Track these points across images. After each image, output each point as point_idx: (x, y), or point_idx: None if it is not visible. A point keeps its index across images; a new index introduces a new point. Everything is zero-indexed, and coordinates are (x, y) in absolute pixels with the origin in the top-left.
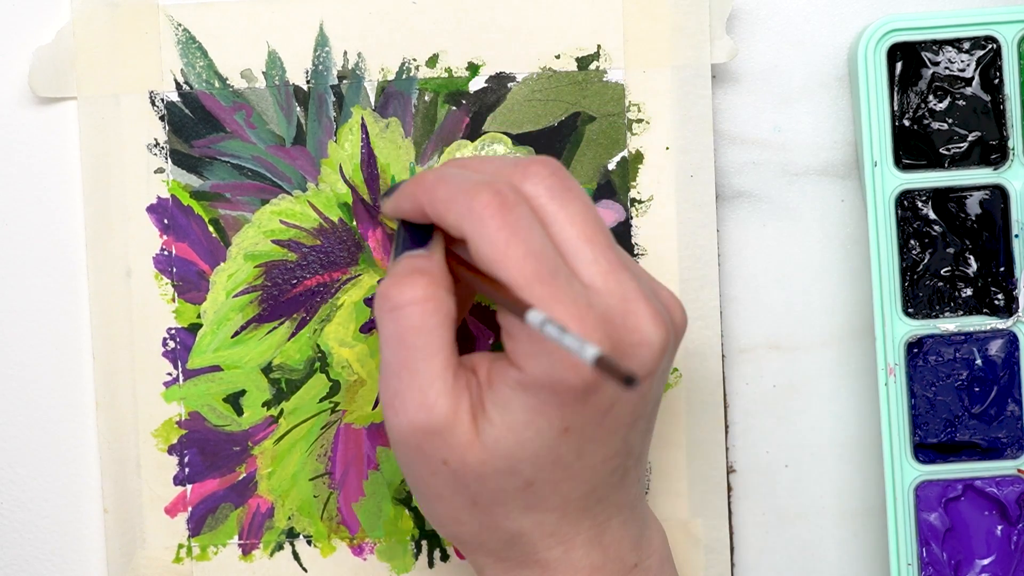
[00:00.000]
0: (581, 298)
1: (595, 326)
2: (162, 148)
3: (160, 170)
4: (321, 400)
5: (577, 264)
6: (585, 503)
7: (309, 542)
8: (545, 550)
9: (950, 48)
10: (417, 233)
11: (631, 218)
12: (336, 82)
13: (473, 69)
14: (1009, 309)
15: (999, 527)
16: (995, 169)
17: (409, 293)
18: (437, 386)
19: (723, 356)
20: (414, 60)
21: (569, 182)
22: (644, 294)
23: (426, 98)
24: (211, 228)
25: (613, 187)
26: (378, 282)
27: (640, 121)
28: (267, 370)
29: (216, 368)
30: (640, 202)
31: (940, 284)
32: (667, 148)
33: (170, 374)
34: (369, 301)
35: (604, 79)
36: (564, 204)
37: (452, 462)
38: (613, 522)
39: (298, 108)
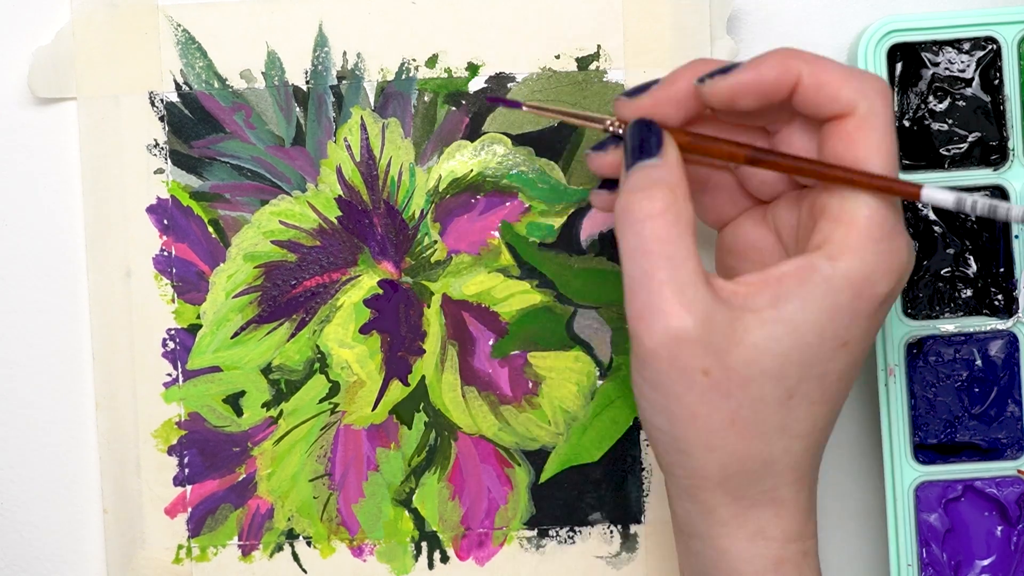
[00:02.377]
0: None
1: (904, 233)
2: (162, 148)
3: (160, 170)
4: (321, 401)
5: None
6: (822, 437)
7: (309, 543)
8: (784, 485)
9: (950, 49)
10: (648, 140)
11: None
12: (335, 82)
13: (473, 69)
14: (1009, 310)
15: (999, 528)
16: (995, 170)
17: (649, 205)
18: (690, 292)
19: None
20: (413, 60)
21: None
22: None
23: (425, 98)
24: (211, 229)
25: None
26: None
27: None
28: (267, 371)
29: (216, 369)
30: None
31: (940, 285)
32: None
33: (170, 375)
34: (368, 302)
35: (604, 79)
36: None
37: (714, 370)
38: (816, 474)
39: (297, 108)
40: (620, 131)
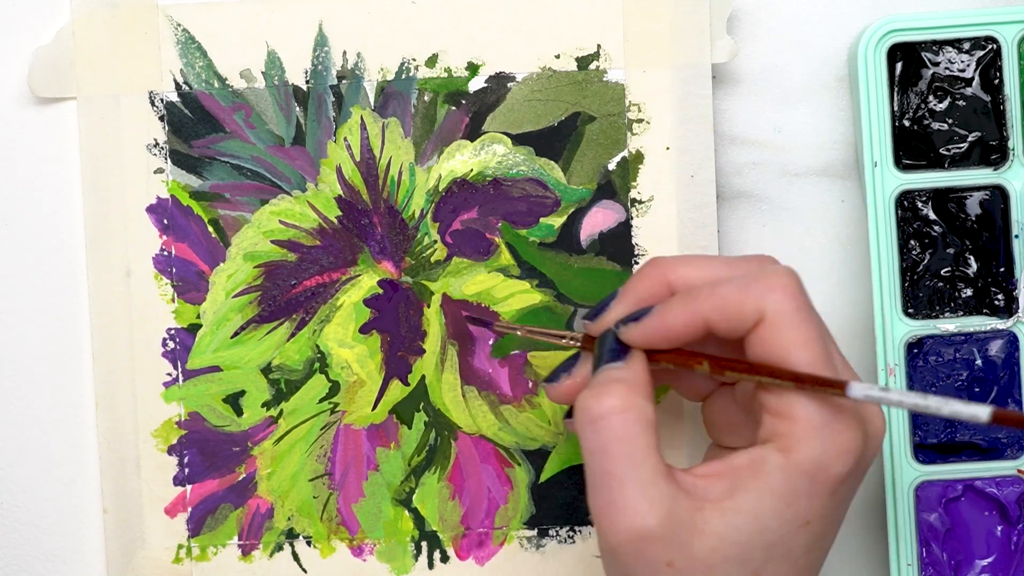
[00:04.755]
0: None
1: (860, 415)
2: (162, 148)
3: (160, 170)
4: (321, 401)
5: None
6: None
7: (309, 543)
8: None
9: (950, 48)
10: (614, 348)
11: (631, 218)
12: (335, 82)
13: (473, 69)
14: (1009, 309)
15: (999, 527)
16: (995, 169)
17: (607, 402)
18: (650, 492)
19: None
20: (413, 60)
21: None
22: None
23: (425, 98)
24: (211, 228)
25: (613, 187)
26: (545, 380)
27: (640, 121)
28: (267, 371)
29: (216, 368)
30: (640, 202)
31: (940, 284)
32: (667, 148)
33: (170, 374)
34: (368, 302)
35: (604, 79)
36: (806, 298)
37: (678, 561)
38: None
39: (297, 108)
40: (577, 345)
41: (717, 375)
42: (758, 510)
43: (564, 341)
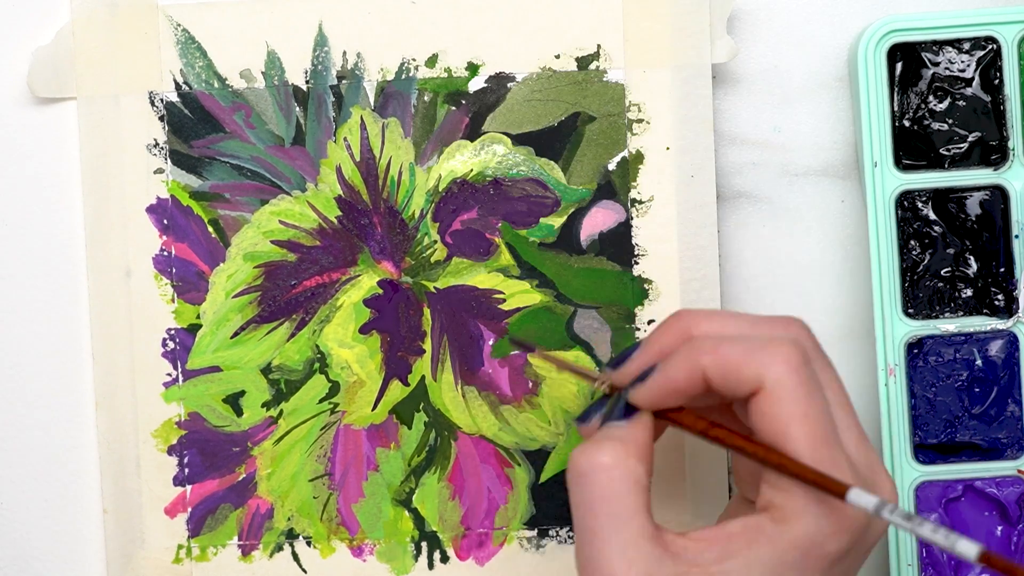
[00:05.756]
0: (851, 467)
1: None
2: (161, 148)
3: (160, 170)
4: (320, 401)
5: (838, 427)
6: None
7: (309, 543)
8: None
9: (950, 48)
10: (624, 406)
11: (631, 218)
12: (335, 82)
13: (473, 69)
14: (1009, 310)
15: (999, 528)
16: (995, 169)
17: (597, 459)
18: (630, 553)
19: None
20: (413, 60)
21: (820, 345)
22: (883, 465)
23: (425, 98)
24: (210, 228)
25: (613, 187)
26: (576, 420)
27: (640, 121)
28: (266, 371)
29: (215, 369)
30: (640, 202)
31: (940, 284)
32: (667, 148)
33: (170, 374)
34: (368, 302)
35: (604, 79)
36: (823, 367)
37: None
38: None
39: (297, 108)
40: (606, 390)
41: (717, 444)
42: None
43: (596, 384)
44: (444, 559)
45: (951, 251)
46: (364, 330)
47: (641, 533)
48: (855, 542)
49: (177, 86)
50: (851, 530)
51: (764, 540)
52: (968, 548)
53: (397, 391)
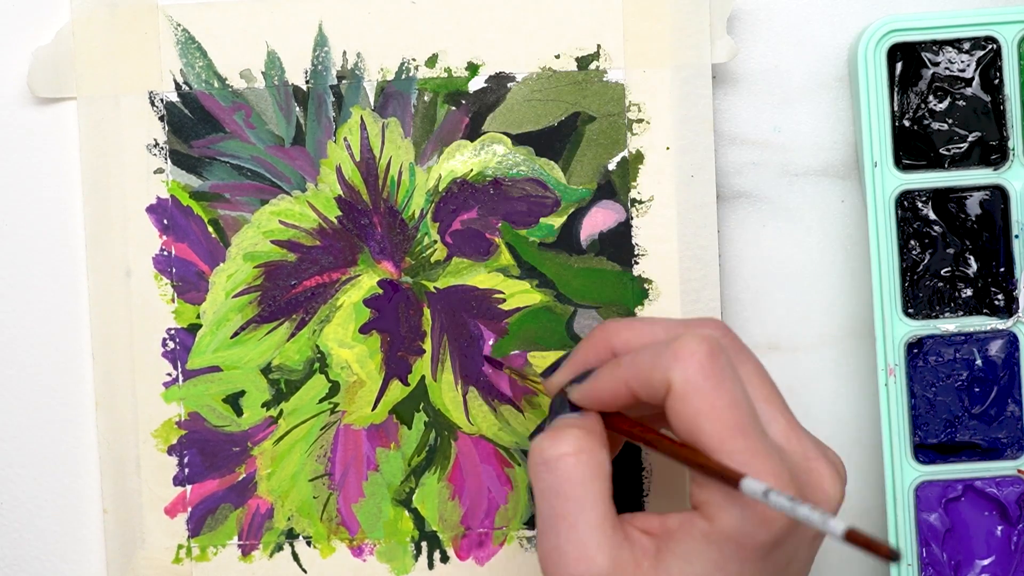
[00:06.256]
0: (775, 454)
1: (788, 484)
2: (161, 148)
3: (160, 170)
4: (320, 401)
5: (762, 420)
6: None
7: (309, 543)
8: None
9: (950, 48)
10: (570, 404)
11: (631, 218)
12: (335, 82)
13: (473, 69)
14: (1009, 309)
15: (999, 527)
16: (995, 169)
17: (563, 446)
18: (596, 537)
19: None
20: (413, 60)
21: (740, 341)
22: (822, 452)
23: (425, 98)
24: (210, 228)
25: (613, 187)
26: (529, 437)
27: (640, 121)
28: (266, 371)
29: (215, 368)
30: (640, 202)
31: (940, 284)
32: (667, 148)
33: (170, 374)
34: (368, 302)
35: (604, 79)
36: (742, 361)
37: None
38: None
39: (297, 108)
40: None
41: (645, 447)
42: (688, 572)
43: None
44: (444, 559)
45: (951, 251)
46: (364, 330)
47: (604, 519)
48: (787, 530)
49: (177, 86)
50: (778, 518)
51: (697, 534)
52: (836, 526)
53: (397, 391)
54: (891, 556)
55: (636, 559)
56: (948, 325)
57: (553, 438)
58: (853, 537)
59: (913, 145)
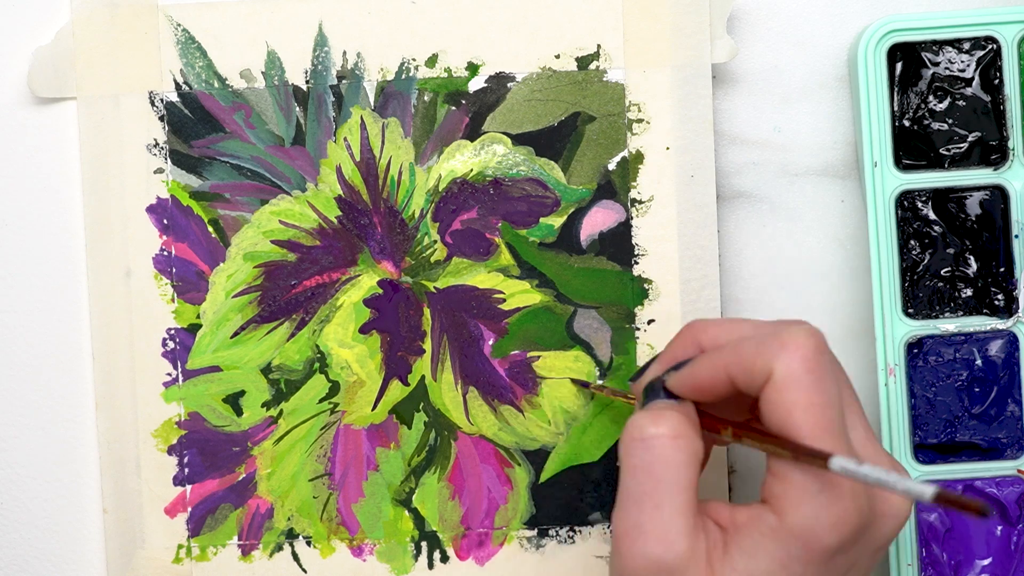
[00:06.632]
0: (854, 458)
1: (863, 489)
2: (161, 148)
3: (160, 170)
4: (320, 401)
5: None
6: None
7: (309, 543)
8: None
9: (950, 48)
10: (666, 393)
11: (631, 218)
12: (335, 82)
13: (473, 69)
14: (1009, 309)
15: (999, 527)
16: (995, 169)
17: (663, 427)
18: (679, 523)
19: None
20: (413, 60)
21: (828, 347)
22: (894, 466)
23: (425, 98)
24: (210, 228)
25: (613, 187)
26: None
27: (640, 121)
28: (266, 371)
29: (215, 368)
30: (640, 202)
31: (940, 284)
32: (667, 148)
33: (170, 374)
34: (368, 302)
35: (604, 79)
36: (835, 365)
37: None
38: None
39: (297, 108)
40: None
41: (731, 438)
42: (752, 570)
43: (630, 400)
44: (444, 559)
45: (951, 251)
46: (364, 330)
47: (689, 505)
48: (855, 536)
49: (177, 86)
50: (849, 523)
51: (765, 529)
52: (926, 490)
53: (397, 391)
54: (982, 512)
55: (708, 549)
56: (948, 325)
57: (654, 418)
58: (944, 499)
59: (913, 145)
